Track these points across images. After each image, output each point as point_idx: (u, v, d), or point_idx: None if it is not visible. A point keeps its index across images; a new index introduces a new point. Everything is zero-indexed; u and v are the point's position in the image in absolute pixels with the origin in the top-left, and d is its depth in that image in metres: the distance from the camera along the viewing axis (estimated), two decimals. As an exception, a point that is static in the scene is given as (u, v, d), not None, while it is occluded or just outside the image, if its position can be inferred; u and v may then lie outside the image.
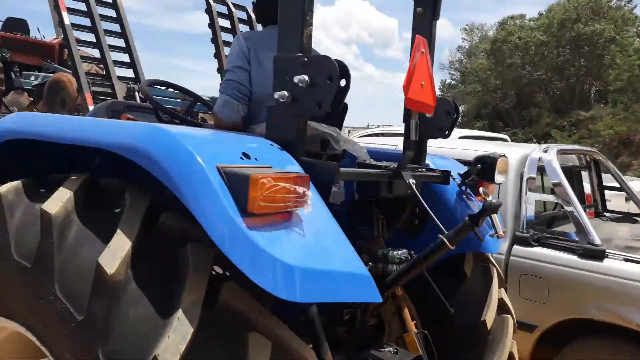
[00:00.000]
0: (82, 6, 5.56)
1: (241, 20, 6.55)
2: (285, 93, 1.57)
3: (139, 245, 1.32)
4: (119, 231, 1.30)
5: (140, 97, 5.84)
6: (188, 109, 2.64)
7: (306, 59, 1.54)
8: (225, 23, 6.37)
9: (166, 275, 1.31)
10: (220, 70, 6.27)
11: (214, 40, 6.18)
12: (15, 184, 1.53)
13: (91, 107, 5.35)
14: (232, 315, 1.33)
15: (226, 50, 6.31)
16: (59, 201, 1.37)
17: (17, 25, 9.41)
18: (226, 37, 6.31)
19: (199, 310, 1.24)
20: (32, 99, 7.79)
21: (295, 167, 1.50)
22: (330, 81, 1.51)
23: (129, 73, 5.98)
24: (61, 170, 1.75)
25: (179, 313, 1.21)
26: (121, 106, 2.50)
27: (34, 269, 1.37)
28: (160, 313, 1.23)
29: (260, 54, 2.12)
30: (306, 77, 1.52)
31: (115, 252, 1.26)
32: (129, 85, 5.78)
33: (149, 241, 1.35)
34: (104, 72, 5.91)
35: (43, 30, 9.70)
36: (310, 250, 1.33)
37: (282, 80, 1.58)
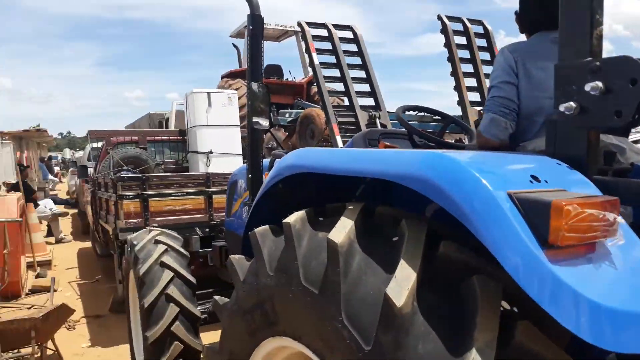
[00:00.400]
0: (328, 45, 6.07)
1: (477, 35, 6.37)
2: (572, 104, 1.37)
3: (422, 277, 1.27)
4: (402, 261, 1.27)
5: (380, 123, 6.07)
6: (441, 130, 2.59)
7: (598, 63, 1.32)
8: (461, 40, 6.26)
9: (452, 309, 1.23)
10: (457, 87, 6.16)
11: (450, 58, 6.12)
12: (300, 214, 1.64)
13: (338, 137, 5.75)
14: (528, 358, 1.18)
15: (463, 67, 6.19)
16: (342, 231, 1.42)
17: (274, 70, 10.80)
18: (462, 53, 6.21)
19: (493, 352, 1.12)
20: (287, 133, 8.77)
21: (591, 189, 1.29)
22: (633, 85, 1.26)
23: (369, 102, 6.28)
24: (324, 198, 1.84)
25: (473, 353, 1.11)
26: (376, 134, 2.57)
27: (321, 295, 1.43)
28: (451, 351, 1.15)
29: (529, 65, 1.94)
30: (600, 84, 1.31)
31: (402, 284, 1.23)
32: (370, 113, 6.06)
33: (431, 272, 1.30)
34: (345, 103, 6.33)
35: (293, 72, 11.04)
36: (628, 289, 1.10)
37: (567, 89, 1.39)
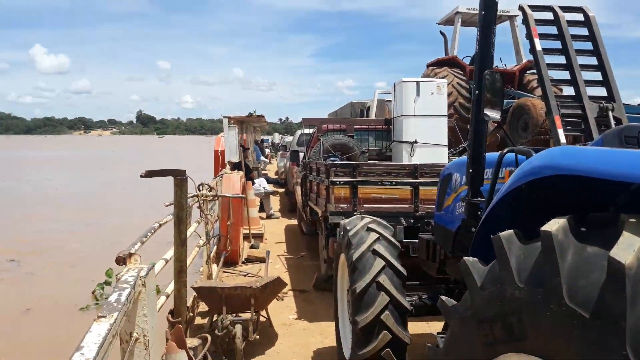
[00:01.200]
0: (553, 30, 5.51)
1: None
2: None
3: None
4: None
5: (614, 116, 5.33)
6: None
7: None
8: None
9: None
10: None
11: None
12: (562, 222, 1.46)
13: (560, 131, 5.21)
14: None
15: None
16: (629, 249, 1.21)
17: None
18: None
19: None
20: (495, 124, 8.27)
21: None
22: None
23: (599, 92, 5.57)
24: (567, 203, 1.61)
25: None
26: (635, 131, 2.20)
27: (593, 320, 1.25)
28: None
29: None
30: None
31: None
32: (601, 105, 5.37)
33: None
34: (564, 93, 5.69)
35: (504, 59, 10.36)
36: None
37: None
